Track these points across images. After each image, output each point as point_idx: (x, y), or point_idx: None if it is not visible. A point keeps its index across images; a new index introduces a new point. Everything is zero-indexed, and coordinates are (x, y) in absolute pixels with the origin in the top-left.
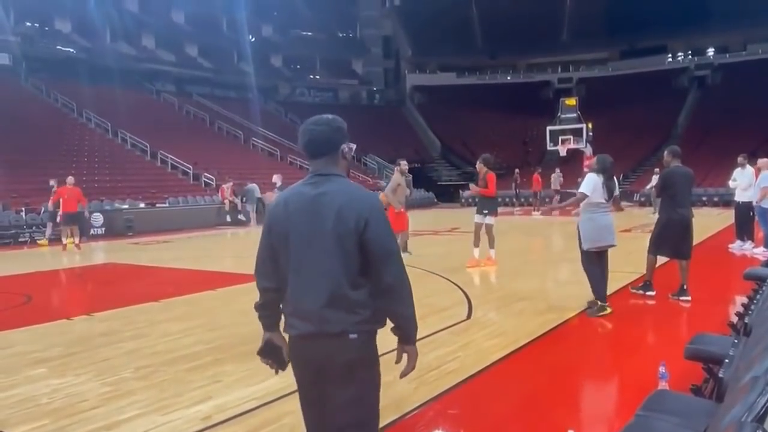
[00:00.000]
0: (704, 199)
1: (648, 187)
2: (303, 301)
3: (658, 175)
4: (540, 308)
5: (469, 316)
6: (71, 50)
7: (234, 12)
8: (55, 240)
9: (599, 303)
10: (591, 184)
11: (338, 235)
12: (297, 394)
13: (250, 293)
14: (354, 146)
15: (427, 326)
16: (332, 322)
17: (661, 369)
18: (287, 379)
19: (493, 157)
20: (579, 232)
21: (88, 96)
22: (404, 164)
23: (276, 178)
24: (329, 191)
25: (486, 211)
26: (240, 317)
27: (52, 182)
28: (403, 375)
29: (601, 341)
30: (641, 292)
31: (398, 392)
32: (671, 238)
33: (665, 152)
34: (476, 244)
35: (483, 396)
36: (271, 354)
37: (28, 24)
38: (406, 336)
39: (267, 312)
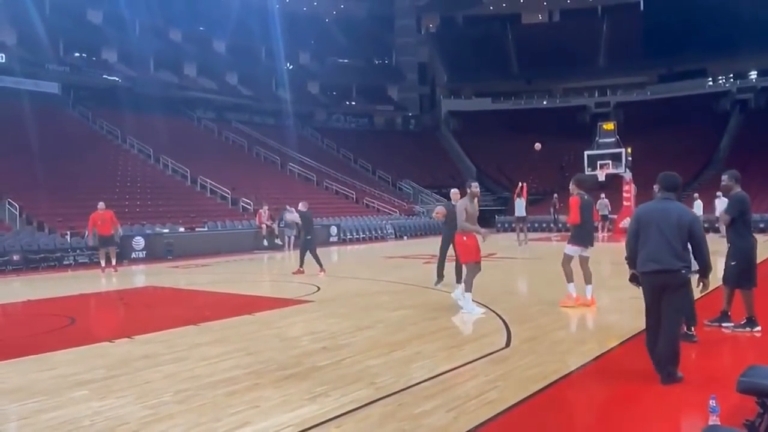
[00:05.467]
0: None
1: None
2: (658, 254)
3: (721, 200)
4: (581, 337)
5: (507, 345)
6: (116, 79)
7: (272, 41)
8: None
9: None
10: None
11: (677, 228)
12: (334, 421)
13: (287, 318)
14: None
15: (465, 354)
16: (673, 264)
17: (712, 402)
18: (323, 406)
19: (588, 176)
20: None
21: (131, 123)
22: (475, 186)
23: (301, 205)
24: (670, 207)
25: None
26: (277, 342)
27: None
28: (702, 290)
29: (645, 372)
30: (748, 329)
31: (438, 421)
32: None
33: (727, 177)
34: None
35: (523, 427)
36: (635, 279)
37: (77, 54)
38: (705, 274)
39: (632, 262)
